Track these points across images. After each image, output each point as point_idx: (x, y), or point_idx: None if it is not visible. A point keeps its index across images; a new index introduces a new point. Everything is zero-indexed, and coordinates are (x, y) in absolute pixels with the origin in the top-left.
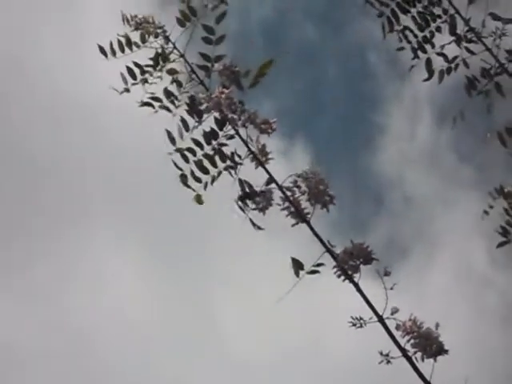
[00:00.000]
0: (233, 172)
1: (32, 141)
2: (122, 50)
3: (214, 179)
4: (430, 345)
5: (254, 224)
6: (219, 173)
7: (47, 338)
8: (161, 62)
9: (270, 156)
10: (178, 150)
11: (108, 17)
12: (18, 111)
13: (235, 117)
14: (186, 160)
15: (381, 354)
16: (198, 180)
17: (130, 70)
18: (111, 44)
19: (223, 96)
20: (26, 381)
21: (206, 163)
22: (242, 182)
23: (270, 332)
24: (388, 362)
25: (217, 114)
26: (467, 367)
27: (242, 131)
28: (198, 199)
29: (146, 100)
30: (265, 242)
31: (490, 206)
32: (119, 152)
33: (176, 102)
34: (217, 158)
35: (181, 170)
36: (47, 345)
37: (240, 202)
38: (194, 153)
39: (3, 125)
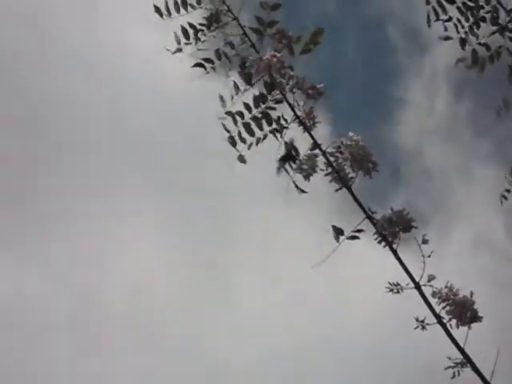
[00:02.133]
0: (278, 135)
1: (49, 101)
2: (178, 11)
3: (258, 141)
4: (465, 312)
5: (297, 187)
6: (265, 135)
7: (58, 300)
8: (214, 24)
9: (316, 120)
10: (228, 113)
11: None
12: (39, 74)
13: (283, 81)
14: (235, 122)
15: (416, 320)
16: (244, 141)
17: (184, 30)
18: (166, 4)
19: (274, 59)
20: (33, 342)
21: (253, 126)
22: (287, 144)
23: (302, 294)
24: (423, 328)
25: (266, 78)
26: (485, 339)
27: (289, 96)
28: (241, 159)
29: (198, 61)
30: (300, 206)
31: (506, 190)
32: (141, 109)
33: (228, 64)
34: (263, 122)
35: (228, 132)
36: (59, 306)
37: (281, 163)
38: (242, 116)
39: (23, 94)
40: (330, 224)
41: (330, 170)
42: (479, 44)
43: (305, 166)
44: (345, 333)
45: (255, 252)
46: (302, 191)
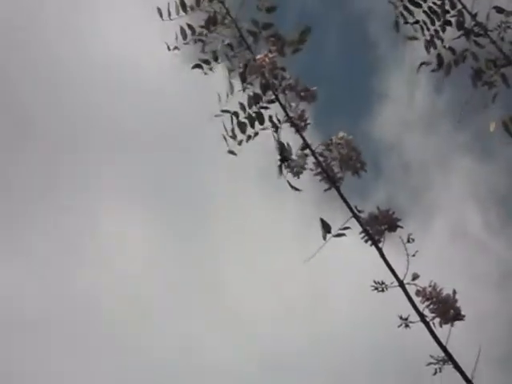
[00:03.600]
0: (275, 134)
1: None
2: (177, 13)
3: (249, 138)
4: (449, 310)
5: (291, 186)
6: (255, 133)
7: (47, 297)
8: (212, 26)
9: (307, 122)
10: (225, 111)
11: None
12: (31, 66)
13: (276, 82)
14: (232, 121)
15: (400, 317)
16: (235, 137)
17: (182, 31)
18: (168, 6)
19: (267, 60)
20: (28, 341)
21: (247, 124)
22: (280, 144)
23: (288, 292)
24: (406, 325)
25: (260, 79)
26: (461, 331)
27: (281, 97)
28: (232, 152)
29: (197, 62)
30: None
31: None
32: (127, 97)
33: (227, 64)
34: (256, 121)
35: (226, 130)
36: (46, 303)
37: (280, 166)
38: (237, 115)
39: (17, 82)
40: (317, 219)
41: (319, 170)
42: (444, 47)
43: (295, 165)
44: (328, 329)
45: (242, 246)
46: (296, 189)
